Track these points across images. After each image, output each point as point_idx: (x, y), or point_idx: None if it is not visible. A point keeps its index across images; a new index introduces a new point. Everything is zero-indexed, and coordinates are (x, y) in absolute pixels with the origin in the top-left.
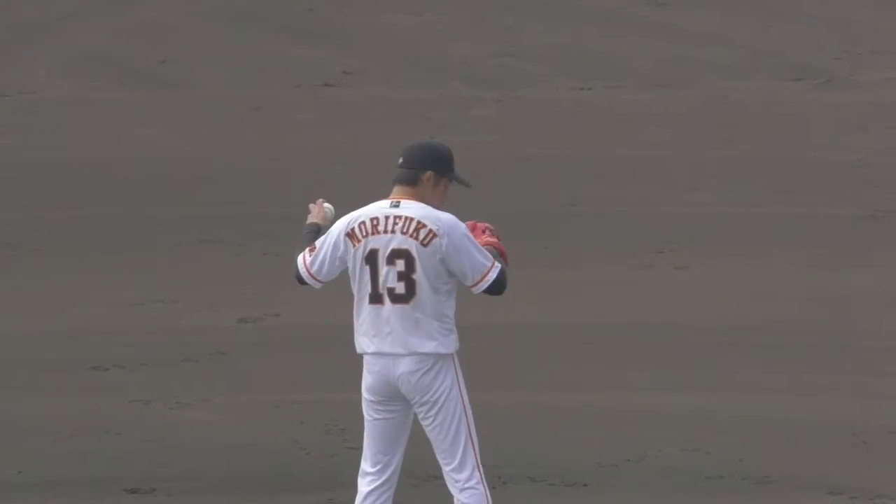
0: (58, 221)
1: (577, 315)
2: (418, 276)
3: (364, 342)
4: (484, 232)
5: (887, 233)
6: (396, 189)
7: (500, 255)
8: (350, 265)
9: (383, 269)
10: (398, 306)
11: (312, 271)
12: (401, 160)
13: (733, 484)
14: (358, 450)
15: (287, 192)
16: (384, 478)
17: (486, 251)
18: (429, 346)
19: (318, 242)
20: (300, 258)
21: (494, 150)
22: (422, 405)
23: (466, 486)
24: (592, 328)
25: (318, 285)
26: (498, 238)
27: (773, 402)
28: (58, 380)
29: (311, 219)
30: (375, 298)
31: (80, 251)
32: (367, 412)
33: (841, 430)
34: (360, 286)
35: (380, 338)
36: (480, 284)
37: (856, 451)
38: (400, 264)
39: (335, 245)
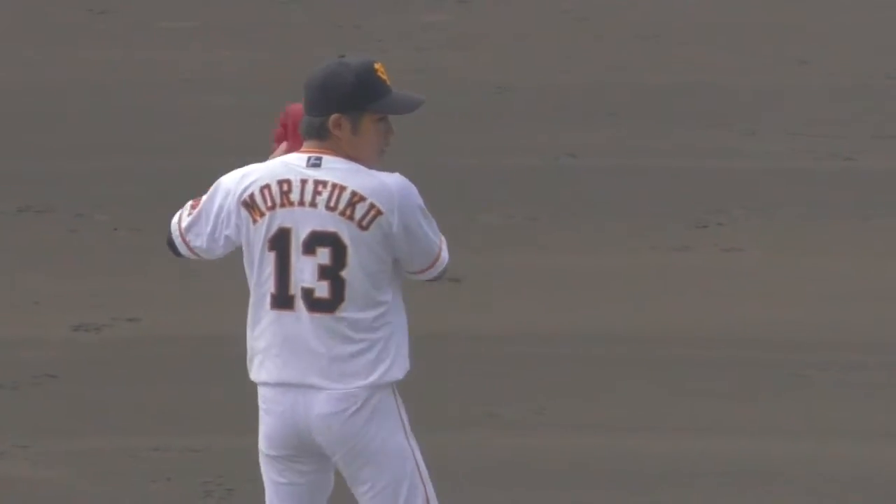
0: None
1: (578, 320)
2: (351, 272)
3: (261, 366)
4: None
5: None
6: (307, 146)
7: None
8: (245, 248)
9: (298, 261)
10: (318, 316)
11: (188, 240)
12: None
13: None
14: None
15: (150, 136)
16: None
17: (434, 222)
18: (362, 376)
19: (203, 198)
20: (177, 216)
21: (457, 75)
22: (350, 462)
23: None
24: (601, 340)
25: (194, 258)
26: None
27: (882, 454)
28: None
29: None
30: (282, 302)
31: None
32: (268, 473)
33: None
34: (259, 281)
35: (286, 361)
36: (429, 272)
37: None
38: (323, 255)
39: (224, 214)
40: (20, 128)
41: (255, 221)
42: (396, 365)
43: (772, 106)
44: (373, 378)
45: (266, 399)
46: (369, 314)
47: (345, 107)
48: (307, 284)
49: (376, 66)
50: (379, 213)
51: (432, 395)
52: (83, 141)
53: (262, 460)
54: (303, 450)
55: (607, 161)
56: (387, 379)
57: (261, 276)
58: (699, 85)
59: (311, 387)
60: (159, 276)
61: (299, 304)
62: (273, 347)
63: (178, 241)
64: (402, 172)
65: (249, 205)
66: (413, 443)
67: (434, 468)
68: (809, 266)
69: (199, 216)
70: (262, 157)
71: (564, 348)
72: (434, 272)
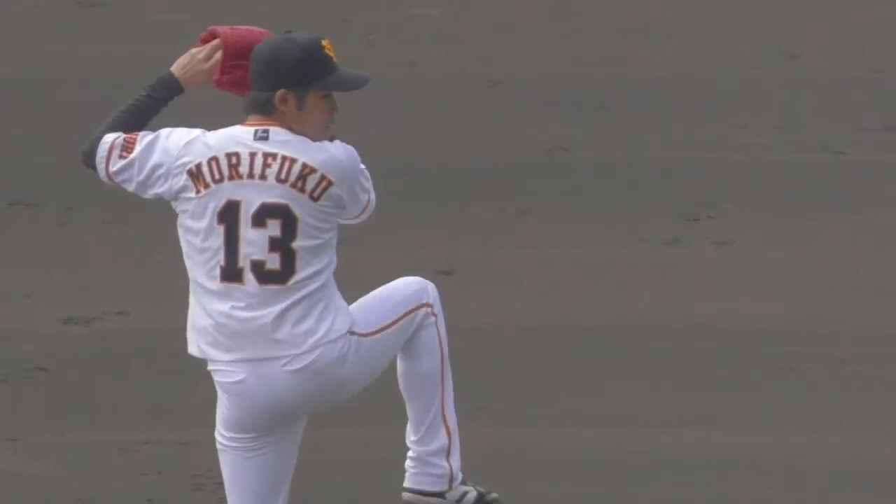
0: None
1: (570, 312)
2: (300, 242)
3: (213, 344)
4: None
5: None
6: (252, 119)
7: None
8: (186, 216)
9: (247, 233)
10: (269, 288)
11: (115, 177)
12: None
13: None
14: None
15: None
16: None
17: (367, 173)
18: (317, 335)
19: (139, 144)
20: (107, 141)
21: (447, 69)
22: (350, 393)
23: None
24: (593, 332)
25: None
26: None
27: (859, 442)
28: None
29: (178, 68)
30: (231, 275)
31: None
32: (231, 452)
33: None
34: (205, 254)
35: (236, 334)
36: (359, 217)
37: None
38: (274, 227)
39: (161, 172)
40: (10, 121)
41: (198, 191)
42: (339, 319)
43: (762, 99)
44: (319, 335)
45: (225, 383)
46: (315, 280)
47: (291, 82)
48: (257, 257)
49: (323, 42)
50: (330, 183)
51: None
52: (73, 134)
53: (225, 444)
54: (270, 423)
55: (599, 154)
56: (334, 334)
57: (208, 249)
58: (690, 78)
59: (268, 359)
60: (149, 270)
61: (248, 276)
62: (221, 320)
63: (101, 173)
64: (391, 166)
65: (195, 174)
66: (371, 320)
67: None
68: (799, 259)
69: (131, 164)
70: None
71: (555, 341)
72: (364, 216)
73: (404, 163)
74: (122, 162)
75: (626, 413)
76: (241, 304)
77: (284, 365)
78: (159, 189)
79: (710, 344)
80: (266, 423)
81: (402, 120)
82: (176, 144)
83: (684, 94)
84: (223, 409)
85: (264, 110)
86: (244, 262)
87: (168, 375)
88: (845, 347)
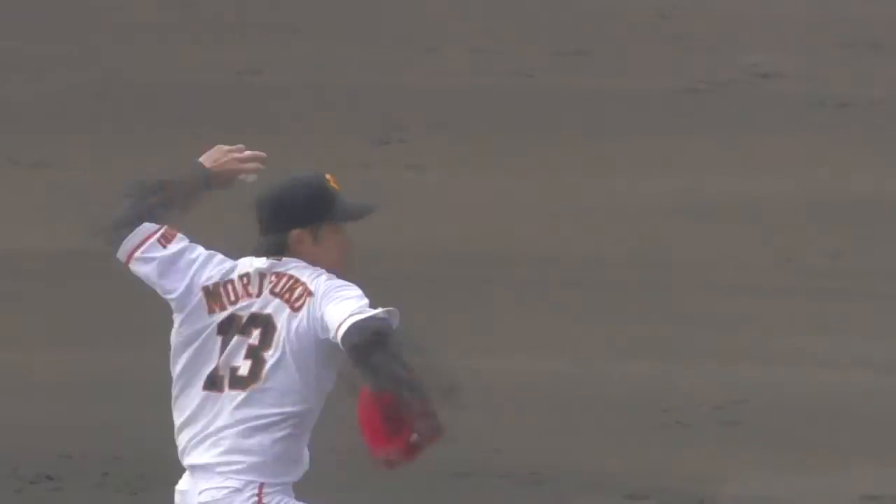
0: None
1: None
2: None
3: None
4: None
5: (718, 112)
6: None
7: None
8: (187, 331)
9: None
10: (233, 393)
11: (139, 254)
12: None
13: (487, 483)
14: None
15: None
16: None
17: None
18: (244, 462)
19: (176, 243)
20: (149, 228)
21: None
22: None
23: None
24: None
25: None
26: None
27: (543, 367)
28: None
29: (208, 160)
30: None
31: None
32: None
33: (643, 407)
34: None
35: (198, 441)
36: (346, 322)
37: (666, 435)
38: (255, 335)
39: (184, 274)
40: None
41: (211, 312)
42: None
43: (453, 21)
44: (251, 470)
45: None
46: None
47: (306, 219)
48: (235, 363)
49: (328, 176)
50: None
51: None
52: None
53: None
54: None
55: (290, 77)
56: (265, 478)
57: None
58: (380, 1)
59: (205, 466)
60: None
61: (225, 383)
62: (194, 427)
63: (125, 249)
64: (83, 88)
65: (211, 293)
66: None
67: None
68: (491, 182)
69: (170, 251)
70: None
71: None
72: (349, 322)
73: (94, 84)
74: (162, 244)
75: None
76: (212, 411)
77: (207, 479)
78: (174, 284)
79: (398, 266)
80: None
81: (89, 41)
82: (202, 262)
83: (376, 16)
84: None
85: (280, 252)
86: (224, 370)
87: None
88: (534, 270)
